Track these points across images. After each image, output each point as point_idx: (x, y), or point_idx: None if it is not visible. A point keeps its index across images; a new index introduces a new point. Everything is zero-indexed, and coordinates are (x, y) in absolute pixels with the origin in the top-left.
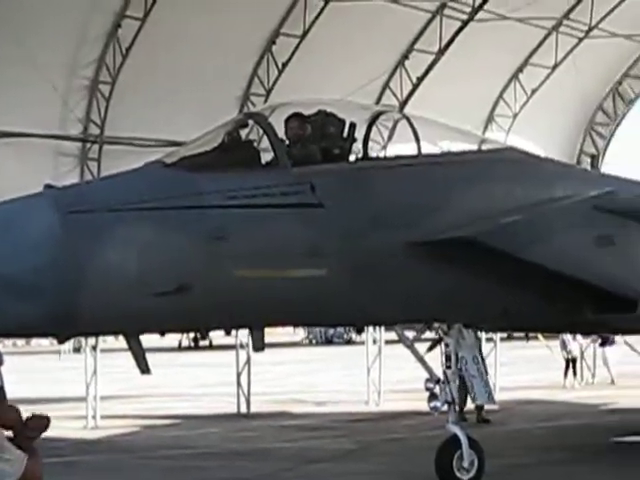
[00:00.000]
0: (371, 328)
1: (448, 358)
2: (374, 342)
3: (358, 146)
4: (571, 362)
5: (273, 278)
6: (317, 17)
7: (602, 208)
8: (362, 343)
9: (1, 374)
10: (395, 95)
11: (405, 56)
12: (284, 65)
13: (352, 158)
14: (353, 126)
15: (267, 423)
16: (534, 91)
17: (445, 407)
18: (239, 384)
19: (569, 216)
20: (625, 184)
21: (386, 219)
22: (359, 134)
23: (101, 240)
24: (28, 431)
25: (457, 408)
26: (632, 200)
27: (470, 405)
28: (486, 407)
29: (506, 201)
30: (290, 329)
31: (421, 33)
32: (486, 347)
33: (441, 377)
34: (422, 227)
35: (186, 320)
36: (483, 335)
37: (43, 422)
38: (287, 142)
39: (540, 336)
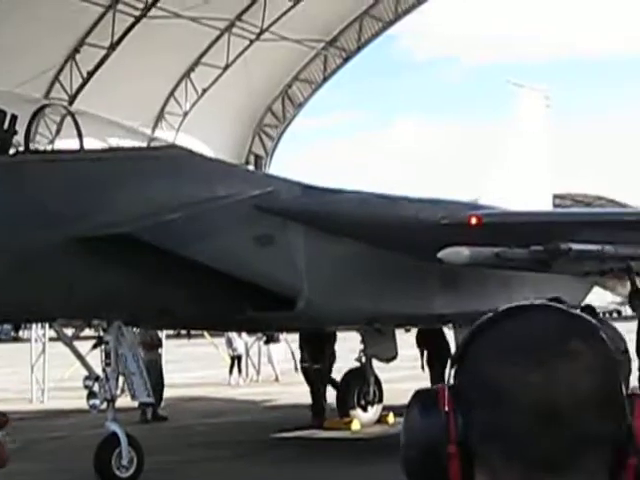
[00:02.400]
0: (35, 325)
1: (108, 355)
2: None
3: (19, 139)
4: (237, 360)
5: None
6: None
7: (263, 208)
8: (29, 340)
9: None
10: (65, 89)
11: (76, 50)
12: None
13: (12, 151)
14: (14, 118)
15: None
16: (205, 90)
17: (104, 405)
18: None
19: (230, 215)
20: (287, 185)
21: (45, 214)
22: (21, 127)
23: None
24: None
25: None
26: (292, 200)
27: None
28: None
29: (167, 198)
30: None
31: (93, 27)
32: None
33: (100, 375)
34: (81, 223)
35: None
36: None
37: (3, 419)
38: None
39: (206, 334)
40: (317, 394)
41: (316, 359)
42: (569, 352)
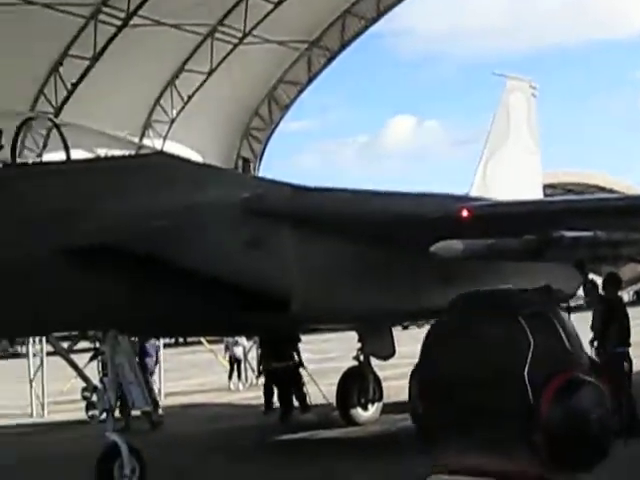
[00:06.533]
0: (32, 339)
1: (104, 366)
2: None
3: (5, 152)
4: (235, 364)
5: None
6: None
7: (252, 210)
8: (26, 355)
9: None
10: (50, 102)
11: (59, 62)
12: None
13: None
14: (0, 133)
15: None
16: (190, 97)
17: (103, 415)
18: None
19: (219, 219)
20: (276, 187)
21: (34, 226)
22: (7, 140)
23: None
24: None
25: (115, 415)
26: (282, 201)
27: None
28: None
29: (154, 206)
30: None
31: (75, 39)
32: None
33: (98, 385)
34: (69, 234)
35: None
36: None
37: None
38: None
39: (204, 340)
40: (269, 393)
41: (277, 358)
42: (470, 335)
